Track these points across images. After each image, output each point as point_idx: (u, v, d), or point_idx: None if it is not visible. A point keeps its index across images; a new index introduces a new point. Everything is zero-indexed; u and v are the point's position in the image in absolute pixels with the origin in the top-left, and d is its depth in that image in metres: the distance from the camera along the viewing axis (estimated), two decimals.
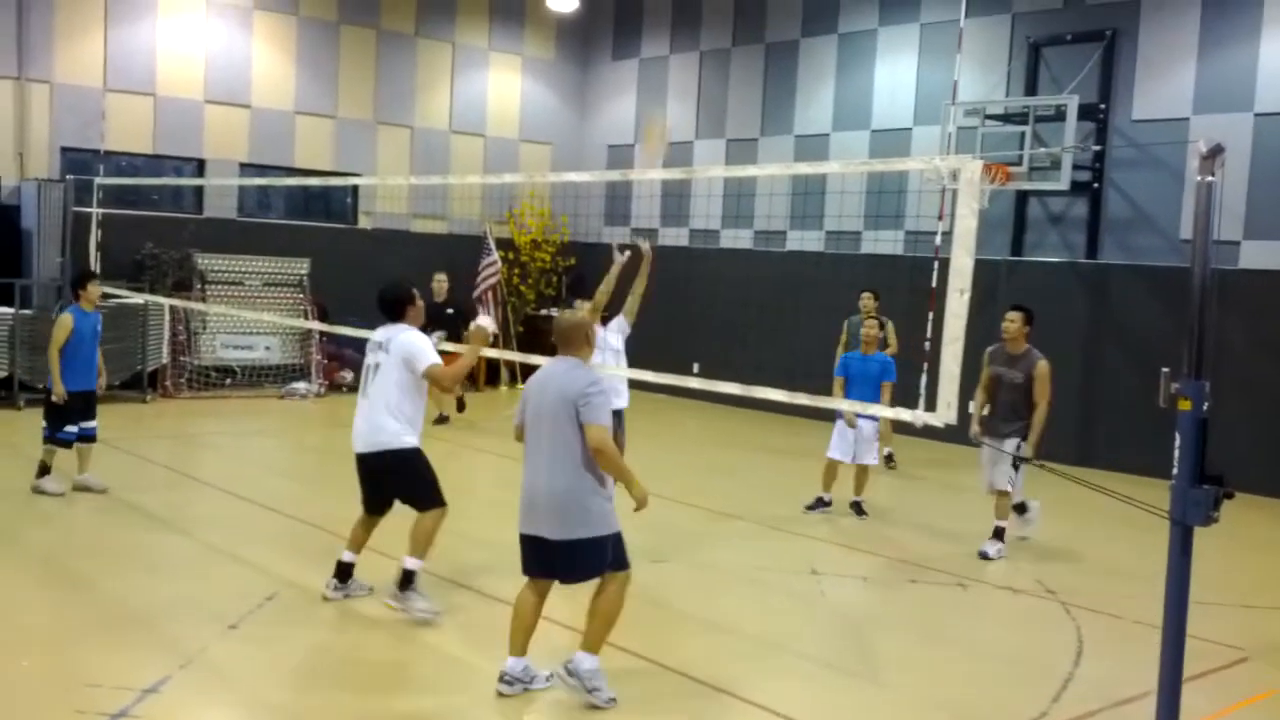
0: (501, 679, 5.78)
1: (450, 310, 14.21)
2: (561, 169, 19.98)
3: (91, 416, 9.78)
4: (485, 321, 7.36)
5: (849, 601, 8.15)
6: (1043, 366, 9.17)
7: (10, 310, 13.86)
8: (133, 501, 9.60)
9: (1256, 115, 12.89)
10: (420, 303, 7.21)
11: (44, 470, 9.63)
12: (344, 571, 7.22)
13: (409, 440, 6.94)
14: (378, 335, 7.08)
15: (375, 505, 7.16)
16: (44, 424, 9.68)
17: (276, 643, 6.49)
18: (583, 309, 8.86)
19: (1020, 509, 9.56)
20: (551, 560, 5.70)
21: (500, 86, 19.89)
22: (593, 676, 5.68)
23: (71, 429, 9.61)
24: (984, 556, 9.14)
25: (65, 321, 9.54)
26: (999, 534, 9.33)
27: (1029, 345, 9.32)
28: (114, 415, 12.60)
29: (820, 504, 10.52)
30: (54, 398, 9.48)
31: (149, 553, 8.31)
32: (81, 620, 6.63)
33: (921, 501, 11.77)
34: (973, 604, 8.18)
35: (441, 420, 14.10)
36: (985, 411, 9.39)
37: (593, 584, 5.77)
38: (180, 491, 10.46)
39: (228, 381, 16.20)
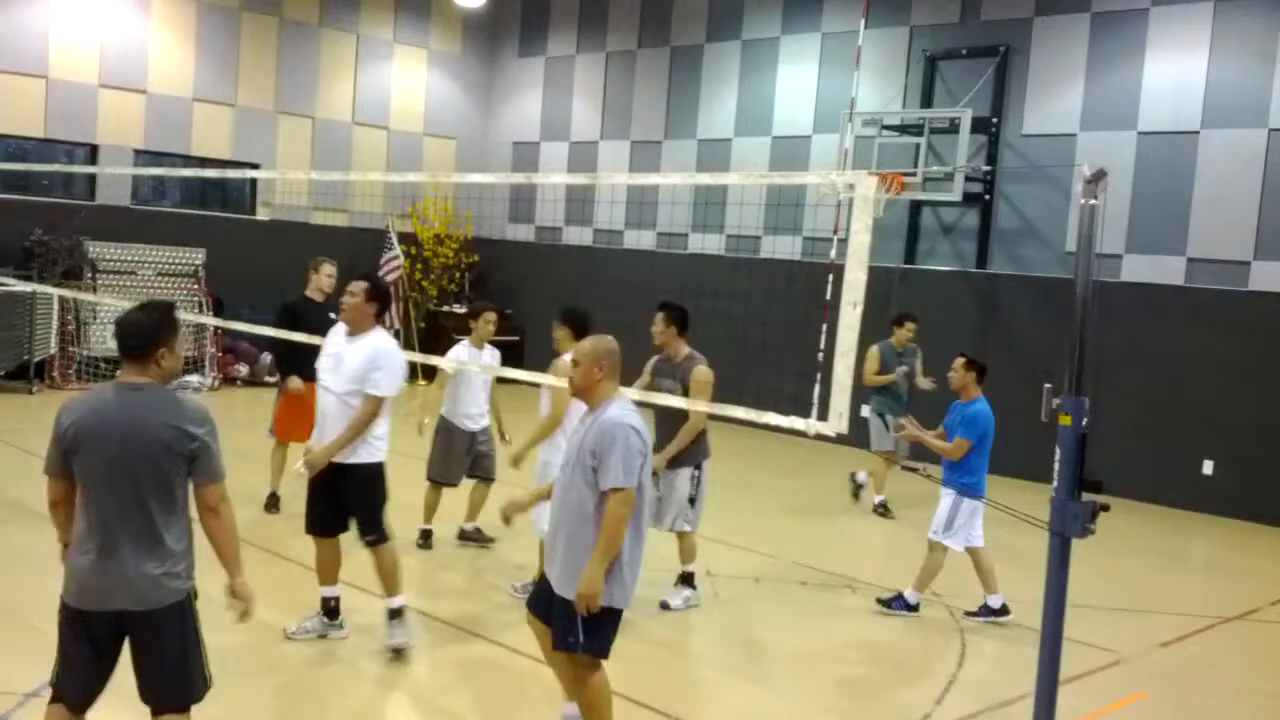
0: None
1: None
2: (466, 165, 19.90)
3: None
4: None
5: (741, 602, 8.31)
6: (701, 373, 7.69)
7: None
8: (14, 498, 9.36)
9: (1139, 133, 13.39)
10: None
11: None
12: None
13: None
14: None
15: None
16: None
17: None
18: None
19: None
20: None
21: (405, 79, 19.71)
22: None
23: None
24: (665, 607, 7.79)
25: None
26: (688, 579, 8.00)
27: (689, 350, 7.95)
28: None
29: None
30: None
31: (34, 553, 8.10)
32: None
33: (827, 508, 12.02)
34: (860, 607, 8.40)
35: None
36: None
37: None
38: None
39: (118, 373, 15.78)
